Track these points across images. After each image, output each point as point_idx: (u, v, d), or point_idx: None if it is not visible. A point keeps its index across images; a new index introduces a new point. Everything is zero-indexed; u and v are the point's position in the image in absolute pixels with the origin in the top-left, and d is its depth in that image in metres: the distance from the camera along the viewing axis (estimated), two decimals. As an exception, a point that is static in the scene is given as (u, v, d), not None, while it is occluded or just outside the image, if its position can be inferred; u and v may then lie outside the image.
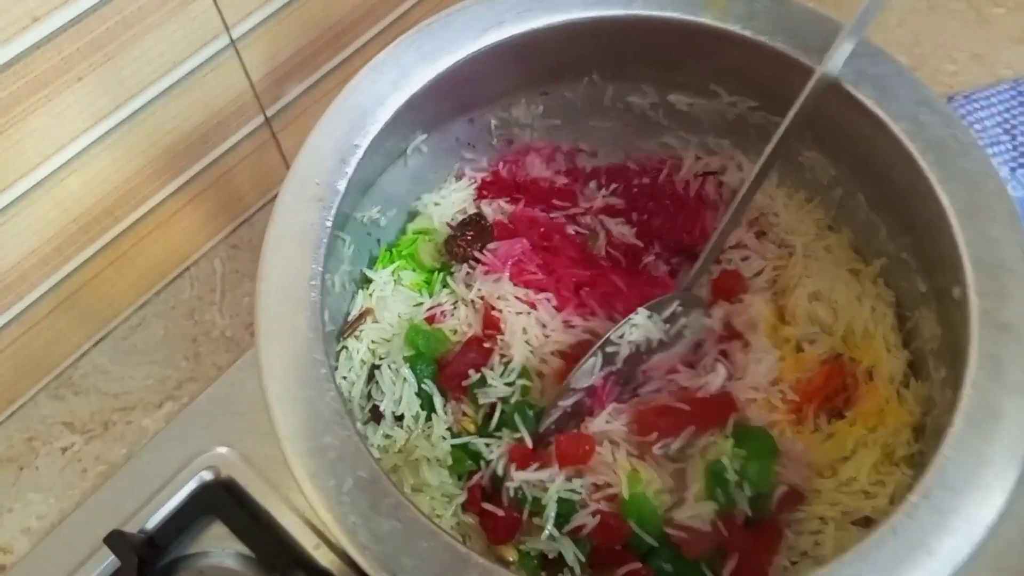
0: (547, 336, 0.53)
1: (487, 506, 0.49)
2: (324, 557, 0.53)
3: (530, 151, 0.62)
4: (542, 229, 0.58)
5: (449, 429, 0.51)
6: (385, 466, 0.47)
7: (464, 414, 0.52)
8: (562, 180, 0.62)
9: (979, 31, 0.79)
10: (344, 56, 0.68)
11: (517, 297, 0.54)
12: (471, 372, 0.52)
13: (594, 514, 0.47)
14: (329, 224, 0.47)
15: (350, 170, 0.49)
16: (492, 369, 0.52)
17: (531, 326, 0.53)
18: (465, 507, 0.49)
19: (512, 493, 0.48)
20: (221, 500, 0.55)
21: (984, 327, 0.42)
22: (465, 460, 0.50)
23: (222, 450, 0.58)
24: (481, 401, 0.52)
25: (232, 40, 0.59)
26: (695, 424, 0.50)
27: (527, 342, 0.53)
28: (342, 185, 0.48)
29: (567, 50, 0.55)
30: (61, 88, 0.51)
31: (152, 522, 0.55)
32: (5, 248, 0.55)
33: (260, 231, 0.70)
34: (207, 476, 0.57)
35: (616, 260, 0.58)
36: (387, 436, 0.51)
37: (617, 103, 0.60)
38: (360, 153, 0.49)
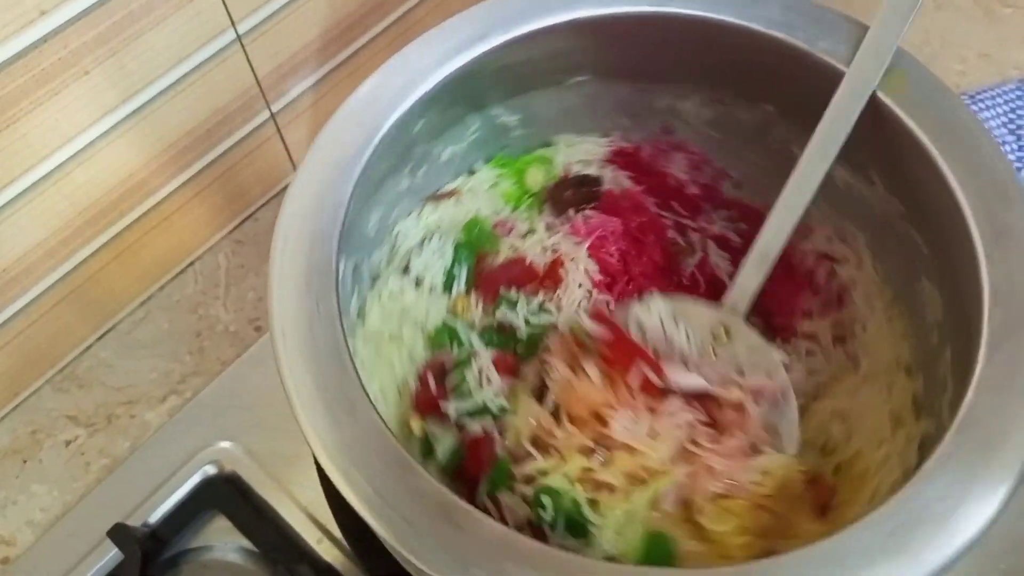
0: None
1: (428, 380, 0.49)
2: (327, 552, 0.53)
3: (682, 149, 0.59)
4: (644, 219, 0.57)
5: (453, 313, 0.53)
6: (373, 324, 0.49)
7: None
8: (694, 190, 0.59)
9: (988, 30, 0.79)
10: (351, 51, 0.68)
11: (587, 269, 0.54)
12: (504, 289, 0.53)
13: None
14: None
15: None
16: (528, 302, 0.53)
17: (584, 302, 0.53)
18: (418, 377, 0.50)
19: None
20: (225, 494, 0.55)
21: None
22: (445, 339, 0.51)
23: (226, 444, 0.58)
24: (498, 319, 0.52)
25: (238, 35, 0.59)
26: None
27: (575, 312, 0.53)
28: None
29: (767, 68, 0.50)
30: (68, 81, 0.51)
31: (155, 516, 0.55)
32: (12, 240, 0.55)
33: (265, 226, 0.71)
34: (211, 470, 0.57)
35: (696, 284, 0.56)
36: (402, 290, 0.52)
37: (785, 148, 0.53)
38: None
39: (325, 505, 0.54)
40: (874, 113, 0.46)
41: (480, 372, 0.50)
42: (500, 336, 0.53)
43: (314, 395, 0.38)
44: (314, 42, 0.65)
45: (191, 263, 0.69)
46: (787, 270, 0.54)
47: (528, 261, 0.55)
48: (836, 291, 0.53)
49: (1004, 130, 0.71)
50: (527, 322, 0.52)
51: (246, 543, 0.54)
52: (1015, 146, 0.70)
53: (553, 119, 0.58)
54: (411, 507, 0.36)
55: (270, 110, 0.66)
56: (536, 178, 0.58)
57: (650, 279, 0.55)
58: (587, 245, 0.55)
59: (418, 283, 0.53)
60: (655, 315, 0.51)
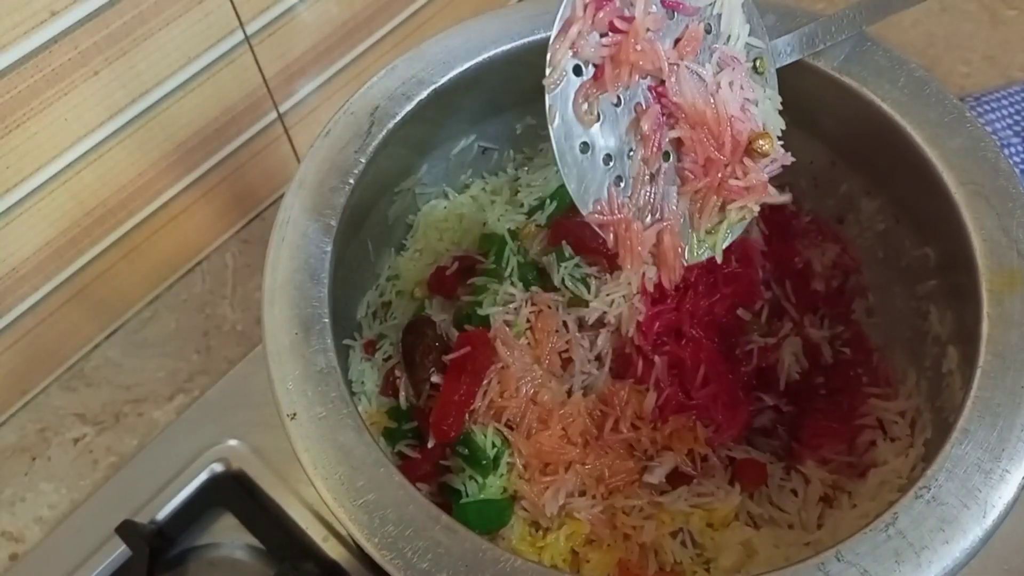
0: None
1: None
2: (333, 549, 0.54)
3: (839, 242, 0.57)
4: (738, 273, 0.54)
5: None
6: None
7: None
8: (818, 286, 0.57)
9: (993, 33, 0.79)
10: (357, 52, 0.69)
11: (648, 277, 0.50)
12: (568, 242, 0.53)
13: None
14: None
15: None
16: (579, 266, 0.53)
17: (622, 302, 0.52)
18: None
19: None
20: (231, 492, 0.56)
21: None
22: (492, 244, 0.56)
23: (233, 443, 0.58)
24: (544, 262, 0.54)
25: (246, 36, 0.59)
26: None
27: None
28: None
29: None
30: (78, 82, 0.52)
31: (163, 513, 0.55)
32: (21, 239, 0.55)
33: (271, 227, 0.71)
34: (218, 468, 0.57)
35: (747, 359, 0.54)
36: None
37: (925, 317, 0.51)
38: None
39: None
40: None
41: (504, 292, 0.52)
42: (535, 275, 0.54)
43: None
44: (322, 43, 0.65)
45: (198, 263, 0.69)
46: (840, 420, 0.53)
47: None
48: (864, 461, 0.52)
49: (1009, 132, 0.71)
50: (563, 281, 0.52)
51: (253, 540, 0.55)
52: (1020, 147, 0.70)
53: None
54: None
55: (278, 110, 0.66)
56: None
57: (703, 328, 0.53)
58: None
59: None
60: None
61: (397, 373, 0.53)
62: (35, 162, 0.53)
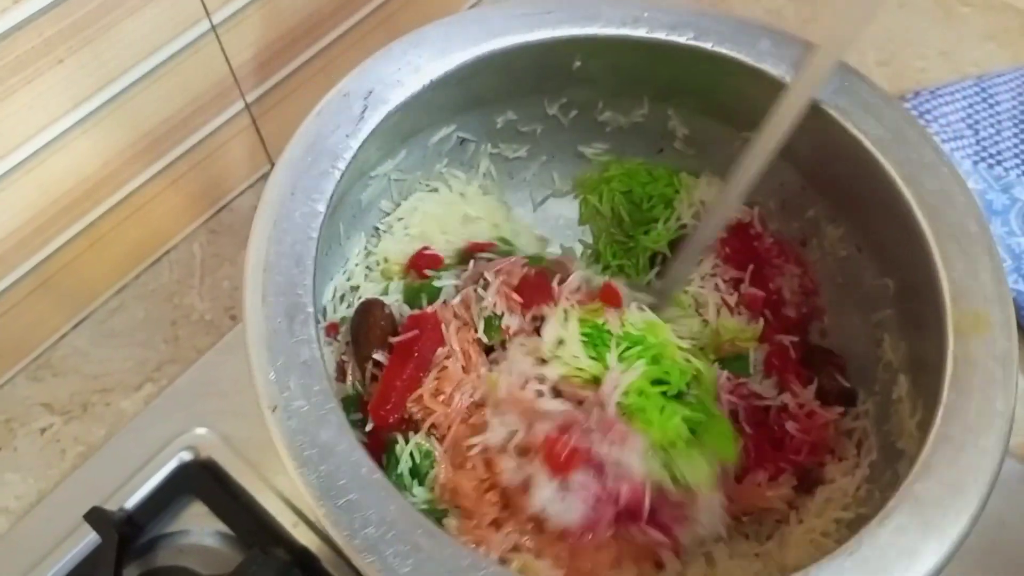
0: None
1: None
2: (303, 536, 0.54)
3: (803, 266, 0.59)
4: None
5: None
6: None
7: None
8: (789, 313, 0.57)
9: (947, 29, 0.81)
10: (325, 43, 0.69)
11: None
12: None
13: None
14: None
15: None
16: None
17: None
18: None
19: None
20: (201, 480, 0.56)
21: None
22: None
23: (201, 431, 0.58)
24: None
25: (212, 25, 0.59)
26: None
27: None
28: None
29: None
30: (42, 70, 0.51)
31: (132, 501, 0.56)
32: (-14, 228, 0.55)
33: (240, 216, 0.71)
34: (187, 456, 0.57)
35: None
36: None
37: (878, 340, 0.54)
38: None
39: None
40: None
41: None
42: None
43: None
44: (289, 33, 0.65)
45: (166, 252, 0.69)
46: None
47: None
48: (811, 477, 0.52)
49: (962, 124, 0.73)
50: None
51: (222, 527, 0.55)
52: (973, 139, 0.72)
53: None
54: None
55: (244, 100, 0.66)
56: None
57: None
58: None
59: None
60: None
61: (345, 356, 0.52)
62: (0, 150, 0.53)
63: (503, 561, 0.46)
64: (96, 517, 0.53)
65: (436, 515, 0.48)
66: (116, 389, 0.63)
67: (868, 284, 0.53)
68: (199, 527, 0.55)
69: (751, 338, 0.54)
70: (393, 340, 0.50)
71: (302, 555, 0.53)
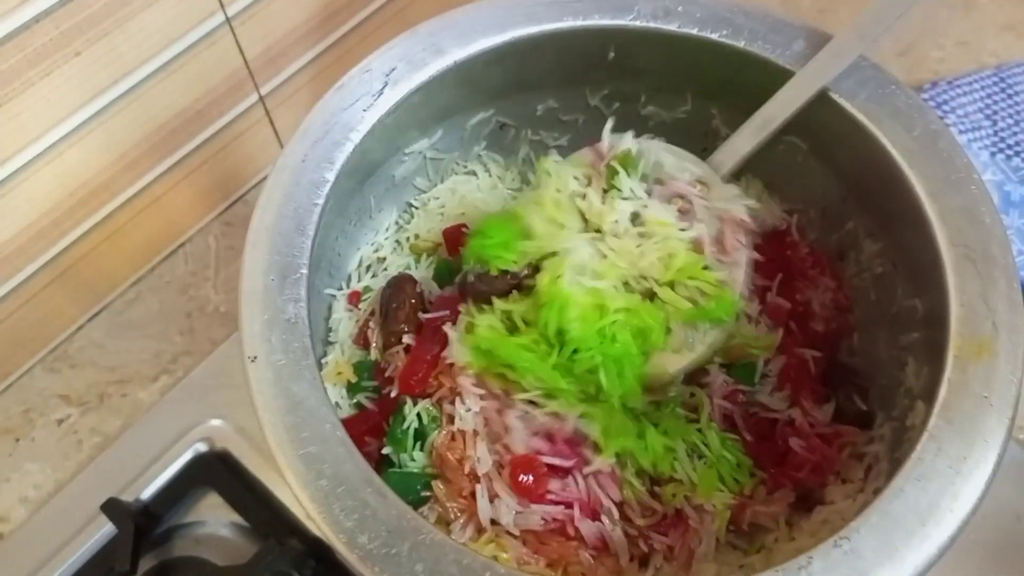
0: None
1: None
2: (316, 526, 0.54)
3: (838, 280, 0.56)
4: None
5: None
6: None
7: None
8: (818, 327, 0.55)
9: (966, 19, 0.80)
10: (340, 34, 0.69)
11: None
12: None
13: None
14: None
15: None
16: None
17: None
18: None
19: None
20: (216, 471, 0.56)
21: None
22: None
23: (217, 422, 0.59)
24: None
25: (227, 18, 0.59)
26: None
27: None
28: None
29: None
30: (60, 62, 0.52)
31: (147, 492, 0.56)
32: (4, 221, 0.55)
33: (254, 208, 0.72)
34: (202, 447, 0.58)
35: None
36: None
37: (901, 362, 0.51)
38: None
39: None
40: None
41: None
42: None
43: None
44: (303, 25, 0.66)
45: (181, 244, 0.69)
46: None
47: None
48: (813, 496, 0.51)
49: (980, 115, 0.72)
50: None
51: (237, 518, 0.55)
52: (991, 130, 0.71)
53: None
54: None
55: (259, 92, 0.66)
56: None
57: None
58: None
59: None
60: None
61: (371, 324, 0.54)
62: (17, 143, 0.53)
63: (479, 531, 0.47)
64: (112, 508, 0.53)
65: (427, 478, 0.49)
66: (132, 380, 0.64)
67: (899, 304, 0.51)
68: (214, 518, 0.56)
69: (764, 347, 0.53)
70: (424, 317, 0.52)
71: (316, 545, 0.54)
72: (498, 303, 0.49)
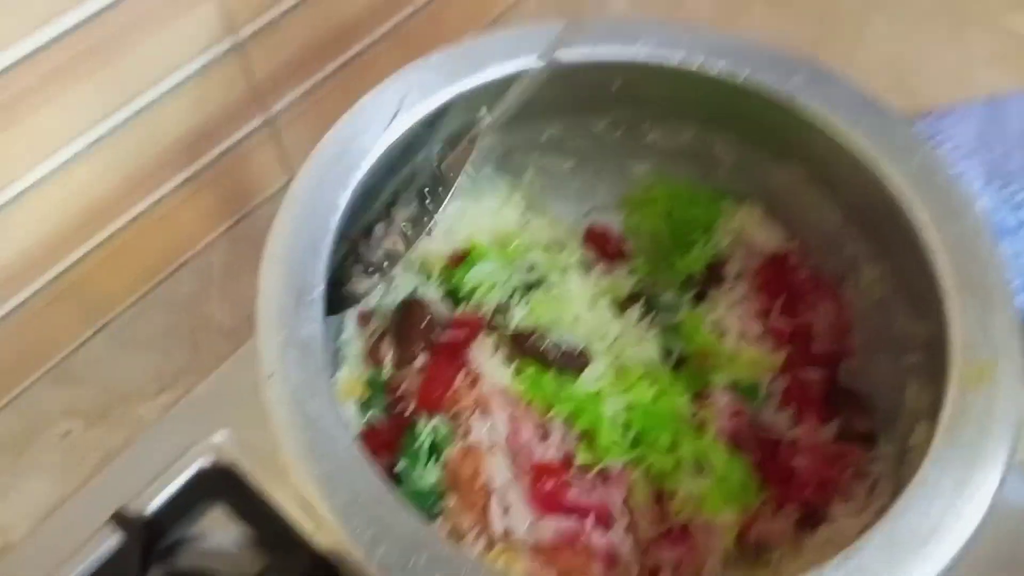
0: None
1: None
2: (324, 540, 0.55)
3: (838, 303, 0.58)
4: None
5: None
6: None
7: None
8: (819, 347, 0.57)
9: (956, 50, 0.82)
10: (346, 58, 0.70)
11: None
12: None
13: None
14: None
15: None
16: None
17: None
18: None
19: None
20: (222, 485, 0.56)
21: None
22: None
23: (222, 436, 0.59)
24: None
25: (236, 42, 0.61)
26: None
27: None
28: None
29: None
30: (73, 82, 0.53)
31: (152, 506, 0.56)
32: (12, 238, 0.56)
33: (260, 227, 0.71)
34: (207, 462, 0.58)
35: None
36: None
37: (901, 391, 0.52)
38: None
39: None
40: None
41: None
42: None
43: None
44: (309, 49, 0.67)
45: (186, 262, 0.70)
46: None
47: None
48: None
49: (973, 145, 0.73)
50: None
51: (243, 532, 0.56)
52: (983, 160, 0.73)
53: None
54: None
55: (266, 115, 0.67)
56: None
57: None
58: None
59: None
60: None
61: (382, 343, 0.55)
62: (26, 164, 0.54)
63: (490, 546, 0.48)
64: (121, 519, 0.53)
65: (439, 493, 0.50)
66: (136, 396, 0.64)
67: (900, 328, 0.52)
68: (221, 531, 0.56)
69: (766, 368, 0.54)
70: (439, 340, 0.54)
71: (323, 560, 0.54)
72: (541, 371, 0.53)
